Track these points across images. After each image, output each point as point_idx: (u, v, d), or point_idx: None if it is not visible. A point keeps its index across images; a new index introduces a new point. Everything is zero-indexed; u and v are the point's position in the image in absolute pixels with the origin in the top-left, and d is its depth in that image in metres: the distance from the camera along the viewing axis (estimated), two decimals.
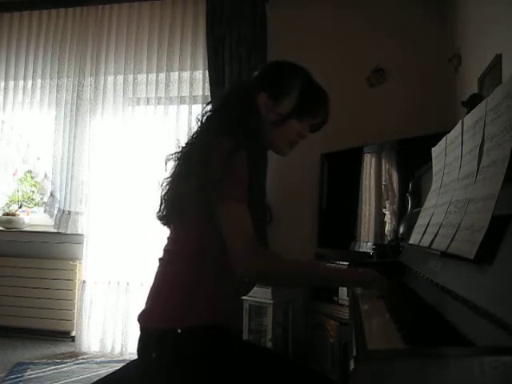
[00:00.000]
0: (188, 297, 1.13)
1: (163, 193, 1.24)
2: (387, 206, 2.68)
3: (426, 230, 1.20)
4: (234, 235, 1.10)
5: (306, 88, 1.29)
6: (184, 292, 1.14)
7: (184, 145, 1.27)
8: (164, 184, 1.25)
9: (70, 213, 3.47)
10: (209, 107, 1.32)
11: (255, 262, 1.10)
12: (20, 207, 3.94)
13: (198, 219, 1.16)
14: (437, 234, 1.05)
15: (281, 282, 1.41)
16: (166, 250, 1.24)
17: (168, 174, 1.25)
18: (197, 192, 1.13)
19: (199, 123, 1.29)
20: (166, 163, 1.26)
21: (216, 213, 1.11)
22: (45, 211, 3.57)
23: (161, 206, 1.25)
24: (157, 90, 3.39)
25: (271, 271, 1.14)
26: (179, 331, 1.08)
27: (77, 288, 3.42)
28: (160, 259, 1.24)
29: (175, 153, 1.26)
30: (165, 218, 1.25)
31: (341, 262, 2.43)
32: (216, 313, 1.14)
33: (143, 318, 1.18)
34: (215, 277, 1.17)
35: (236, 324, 1.25)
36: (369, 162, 2.89)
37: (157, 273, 1.23)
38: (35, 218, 3.84)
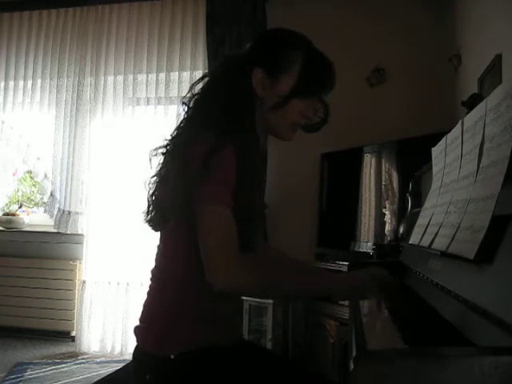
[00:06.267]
0: (179, 321, 1.05)
1: (150, 193, 1.11)
2: (387, 205, 2.68)
3: (425, 230, 1.20)
4: (211, 246, 0.98)
5: (309, 62, 1.10)
6: (175, 316, 1.06)
7: (170, 137, 1.12)
8: (151, 183, 1.12)
9: (69, 213, 3.46)
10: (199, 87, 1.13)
11: (232, 277, 0.98)
12: (20, 207, 3.94)
13: (184, 229, 1.05)
14: (437, 234, 1.05)
15: (265, 296, 1.28)
16: (156, 263, 1.14)
17: (154, 171, 1.12)
18: (180, 196, 1.01)
19: (186, 108, 1.12)
20: (150, 160, 1.12)
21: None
22: (45, 211, 3.57)
23: (148, 208, 1.12)
24: (157, 89, 3.39)
25: (252, 287, 1.04)
26: (172, 357, 1.01)
27: (77, 288, 3.42)
28: (152, 270, 1.14)
29: (160, 147, 1.12)
30: (153, 222, 1.12)
31: (341, 262, 2.44)
32: (210, 335, 1.06)
33: (138, 335, 1.11)
34: (209, 295, 1.04)
35: (235, 334, 1.16)
36: (369, 162, 2.89)
37: (149, 286, 1.14)
38: (35, 218, 3.84)
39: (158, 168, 1.11)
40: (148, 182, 1.12)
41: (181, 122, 1.13)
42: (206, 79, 1.14)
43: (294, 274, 1.21)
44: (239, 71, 1.09)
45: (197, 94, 1.12)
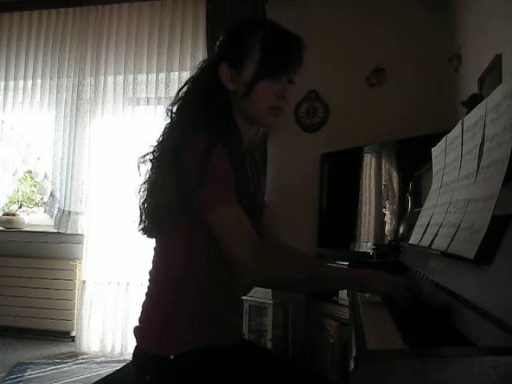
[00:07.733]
0: (178, 322, 1.05)
1: (141, 202, 1.11)
2: (387, 205, 2.68)
3: (425, 230, 1.20)
4: (235, 244, 1.00)
5: (267, 42, 1.08)
6: (173, 317, 1.06)
7: (156, 143, 1.11)
8: (141, 191, 1.11)
9: (70, 213, 3.47)
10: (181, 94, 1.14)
11: (265, 267, 1.00)
12: (20, 207, 3.94)
13: (182, 231, 1.06)
14: (437, 233, 1.05)
15: (295, 287, 1.24)
16: (153, 265, 1.14)
17: (144, 179, 1.12)
18: (175, 201, 1.02)
19: (169, 113, 1.12)
20: (138, 167, 1.12)
21: (204, 222, 1.01)
22: (45, 211, 3.57)
23: (141, 217, 1.12)
24: (157, 90, 3.39)
25: (284, 275, 1.04)
26: (171, 357, 1.01)
27: (77, 288, 3.43)
28: (149, 272, 1.14)
29: (147, 154, 1.11)
30: (147, 230, 1.12)
31: (341, 262, 2.44)
32: (211, 334, 1.06)
33: (137, 335, 1.11)
34: (209, 295, 1.08)
35: (235, 335, 1.15)
36: (369, 162, 2.89)
37: (148, 287, 1.14)
38: (35, 218, 3.84)
39: (148, 175, 1.11)
40: (138, 190, 1.12)
41: (165, 128, 1.13)
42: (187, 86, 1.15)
43: (320, 263, 1.27)
44: (210, 71, 1.11)
45: (179, 99, 1.13)
